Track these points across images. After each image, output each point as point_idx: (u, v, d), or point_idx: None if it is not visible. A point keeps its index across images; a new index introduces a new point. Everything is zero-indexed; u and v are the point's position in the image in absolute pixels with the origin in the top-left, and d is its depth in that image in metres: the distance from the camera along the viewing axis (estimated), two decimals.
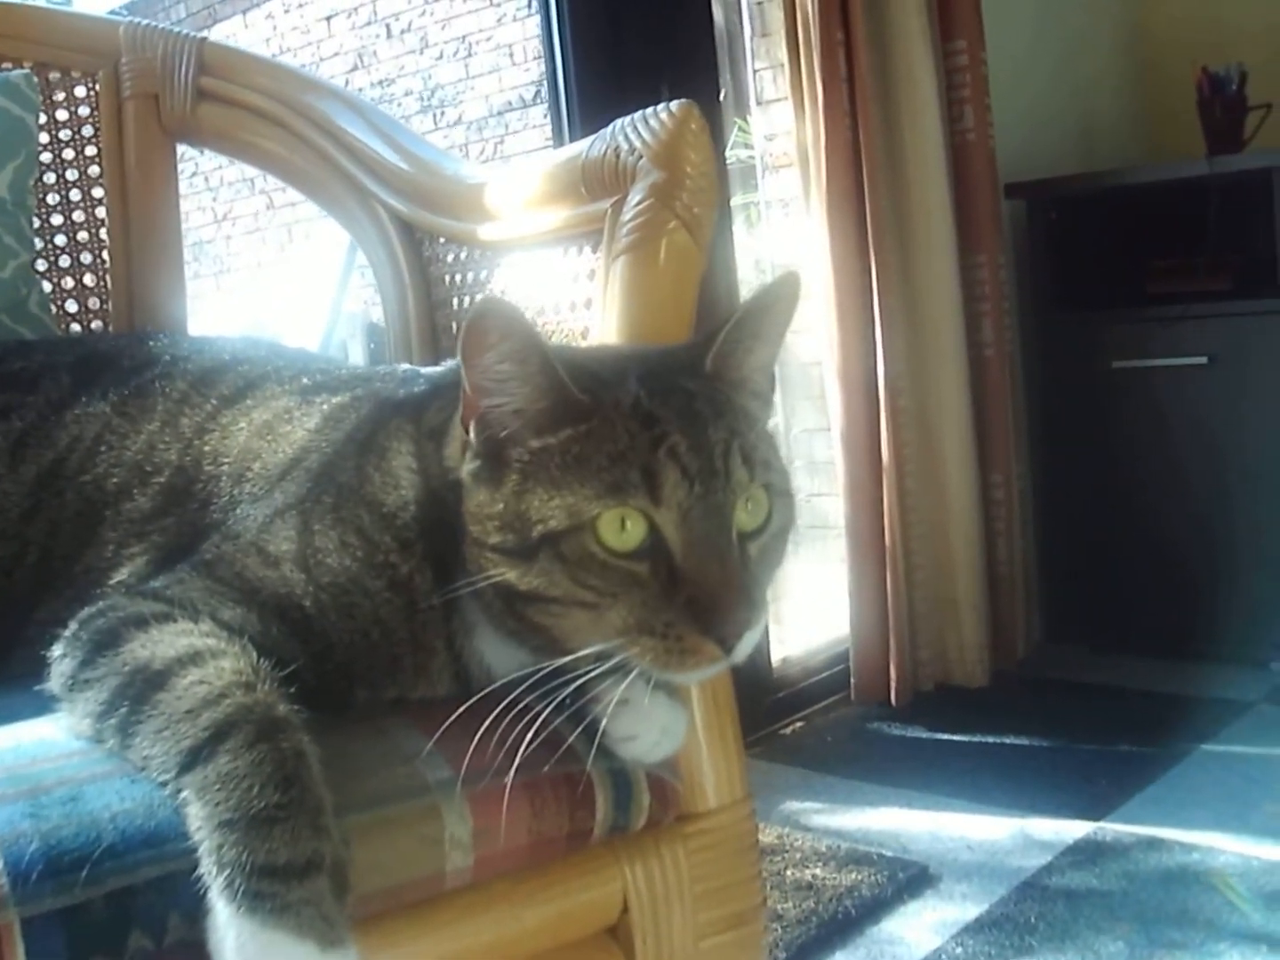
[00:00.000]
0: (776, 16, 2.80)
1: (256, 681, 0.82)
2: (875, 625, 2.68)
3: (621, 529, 0.85)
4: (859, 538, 2.67)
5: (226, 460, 1.06)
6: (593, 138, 1.15)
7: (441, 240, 1.44)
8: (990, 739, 2.59)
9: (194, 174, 5.83)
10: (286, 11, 5.72)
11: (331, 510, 0.96)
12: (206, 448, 1.08)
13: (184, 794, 0.77)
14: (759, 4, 3.08)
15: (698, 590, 0.85)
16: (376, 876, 0.83)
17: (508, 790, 0.86)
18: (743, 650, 0.86)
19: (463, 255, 1.40)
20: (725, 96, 2.98)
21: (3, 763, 0.82)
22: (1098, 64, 3.46)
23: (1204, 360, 2.83)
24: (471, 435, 0.91)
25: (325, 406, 1.07)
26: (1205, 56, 3.04)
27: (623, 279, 1.06)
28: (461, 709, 0.86)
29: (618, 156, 1.11)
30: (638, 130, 1.10)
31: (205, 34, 1.62)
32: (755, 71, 3.13)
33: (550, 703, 0.86)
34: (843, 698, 2.79)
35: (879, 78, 2.64)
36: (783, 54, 2.66)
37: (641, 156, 1.08)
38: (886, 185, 2.65)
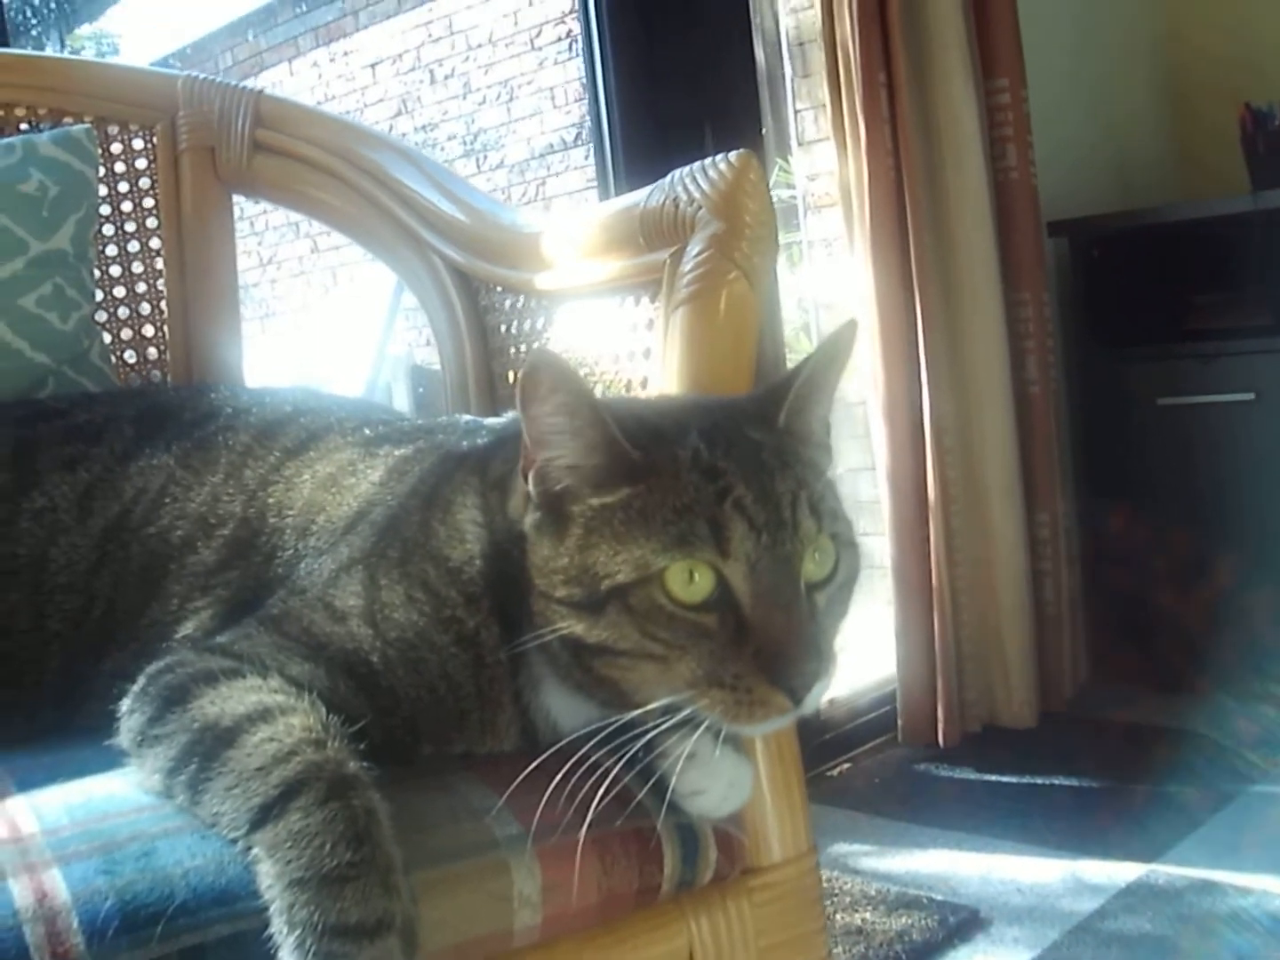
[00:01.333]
0: (818, 57, 2.81)
1: (326, 738, 0.82)
2: (922, 666, 2.66)
3: (689, 581, 0.85)
4: (905, 577, 2.66)
5: (291, 513, 1.06)
6: (650, 188, 1.16)
7: (498, 289, 1.45)
8: (1039, 780, 2.56)
9: (239, 218, 5.87)
10: (332, 60, 5.80)
11: (398, 565, 0.96)
12: (270, 500, 1.08)
13: (255, 851, 0.77)
14: (800, 45, 3.09)
15: (766, 641, 0.84)
16: (444, 933, 0.83)
17: (580, 846, 0.86)
18: (812, 701, 0.86)
19: (519, 304, 1.41)
20: (767, 136, 2.99)
21: (74, 818, 0.83)
22: (1134, 101, 3.46)
23: (1251, 396, 2.81)
24: (530, 486, 0.91)
25: (389, 459, 1.08)
26: (1242, 93, 3.03)
27: (683, 329, 1.07)
28: (532, 765, 0.86)
29: (677, 207, 1.11)
30: (696, 180, 1.11)
31: (250, 82, 1.64)
32: (797, 112, 3.13)
33: (619, 758, 0.86)
34: (890, 739, 2.77)
35: (921, 117, 2.64)
36: (824, 94, 2.67)
37: (701, 207, 1.09)
38: (930, 224, 2.65)
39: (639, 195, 1.17)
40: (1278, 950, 1.85)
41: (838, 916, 2.04)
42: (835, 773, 2.69)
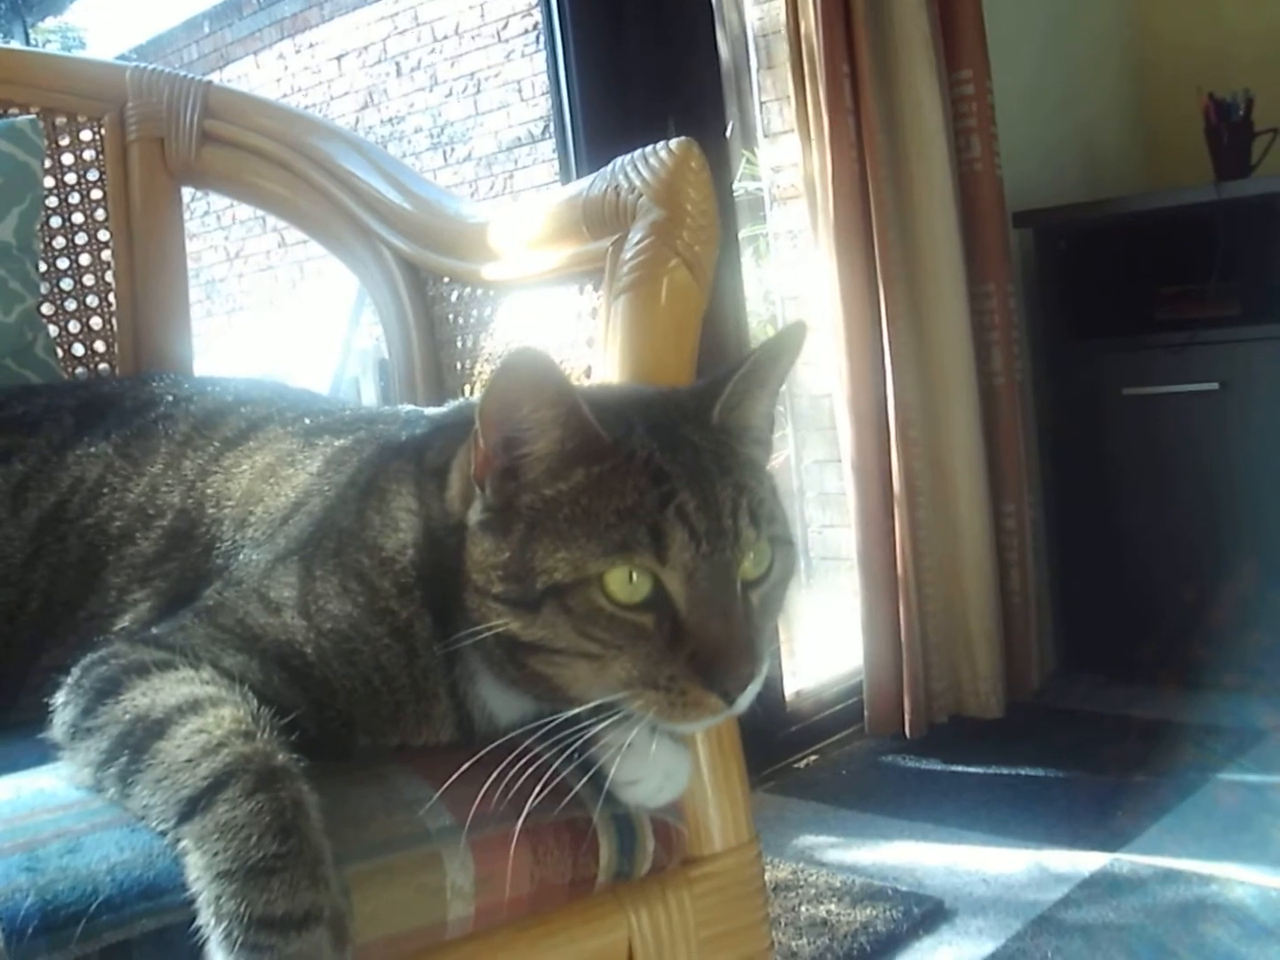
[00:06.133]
0: (782, 49, 2.81)
1: (256, 730, 0.81)
2: (888, 657, 2.66)
3: (629, 581, 0.85)
4: (871, 569, 2.66)
5: (229, 503, 1.06)
6: (593, 176, 1.15)
7: (445, 280, 1.44)
8: (1005, 770, 2.57)
9: (206, 213, 5.88)
10: (298, 52, 5.79)
11: (333, 555, 0.95)
12: (209, 490, 1.07)
13: (183, 844, 0.76)
14: (764, 37, 3.09)
15: (702, 645, 0.84)
16: (376, 926, 0.82)
17: (513, 837, 0.85)
18: (744, 702, 0.86)
19: (466, 294, 1.40)
20: (732, 129, 2.99)
21: (1, 815, 0.82)
22: (1101, 93, 3.46)
23: (1215, 386, 2.82)
24: (487, 490, 0.89)
25: (328, 449, 1.07)
26: (1208, 84, 3.04)
27: (624, 318, 1.06)
28: (470, 761, 0.85)
29: (618, 195, 1.10)
30: (638, 168, 1.10)
31: (216, 75, 1.63)
32: (762, 104, 3.13)
33: (555, 749, 0.86)
34: (856, 730, 2.77)
35: (885, 108, 2.64)
36: (789, 86, 2.67)
37: (641, 195, 1.08)
38: (894, 216, 2.65)
39: (582, 184, 1.17)
40: (1240, 938, 1.85)
41: (803, 908, 2.04)
42: (802, 765, 2.69)
